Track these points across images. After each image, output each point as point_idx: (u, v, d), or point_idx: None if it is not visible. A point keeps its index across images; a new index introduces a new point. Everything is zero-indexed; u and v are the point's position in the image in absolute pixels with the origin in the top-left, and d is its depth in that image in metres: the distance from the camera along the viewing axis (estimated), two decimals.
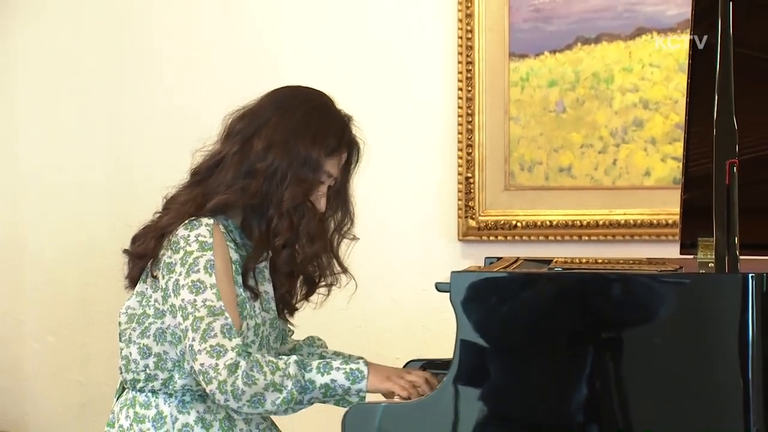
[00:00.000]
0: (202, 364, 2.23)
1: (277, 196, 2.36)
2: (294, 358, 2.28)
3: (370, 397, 2.38)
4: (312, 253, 2.43)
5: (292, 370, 2.26)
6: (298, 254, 2.42)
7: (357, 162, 2.52)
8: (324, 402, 2.33)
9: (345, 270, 2.53)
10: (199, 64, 3.89)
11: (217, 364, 2.22)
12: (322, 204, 2.45)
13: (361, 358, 2.61)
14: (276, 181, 2.36)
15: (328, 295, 2.56)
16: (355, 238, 2.55)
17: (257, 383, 2.22)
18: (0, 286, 4.07)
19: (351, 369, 2.31)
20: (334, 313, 3.62)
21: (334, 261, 2.51)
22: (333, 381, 2.29)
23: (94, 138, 3.98)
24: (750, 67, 2.43)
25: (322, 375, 2.29)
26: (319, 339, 2.70)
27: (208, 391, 2.24)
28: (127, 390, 2.45)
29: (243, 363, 2.22)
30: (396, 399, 2.33)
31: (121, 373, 2.45)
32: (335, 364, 2.31)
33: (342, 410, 2.29)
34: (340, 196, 2.50)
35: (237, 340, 2.25)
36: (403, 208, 3.76)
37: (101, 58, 3.96)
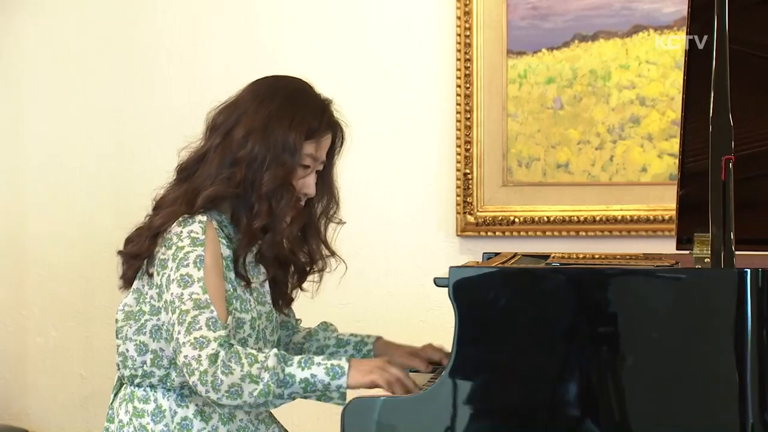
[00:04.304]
0: (185, 356, 2.23)
1: (257, 181, 2.38)
2: (274, 351, 2.26)
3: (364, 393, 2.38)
4: (291, 234, 2.43)
5: (271, 362, 2.24)
6: (279, 237, 2.42)
7: (341, 145, 2.52)
8: (305, 397, 2.30)
9: (333, 253, 2.54)
10: (202, 61, 3.90)
11: (199, 356, 2.22)
12: (310, 188, 2.45)
13: (379, 337, 2.64)
14: (256, 167, 2.37)
15: (321, 280, 2.56)
16: (341, 222, 2.55)
17: (233, 373, 2.21)
18: (3, 280, 4.09)
19: (332, 365, 2.26)
20: (333, 307, 3.64)
21: (322, 245, 2.52)
22: (313, 376, 2.25)
23: (96, 134, 3.99)
24: (745, 63, 2.45)
25: (303, 369, 2.25)
26: (332, 324, 2.71)
27: (191, 383, 2.23)
28: (125, 385, 2.46)
29: (222, 353, 2.22)
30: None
31: (119, 369, 2.46)
32: (317, 359, 2.27)
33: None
34: (324, 180, 2.50)
35: (221, 332, 2.25)
36: (402, 204, 3.77)
37: (105, 54, 3.97)
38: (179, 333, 2.25)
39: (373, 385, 2.33)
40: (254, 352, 2.26)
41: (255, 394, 2.22)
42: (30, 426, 4.04)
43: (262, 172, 2.37)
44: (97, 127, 3.99)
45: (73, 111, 4.01)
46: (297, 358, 2.28)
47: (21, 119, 4.06)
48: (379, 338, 2.65)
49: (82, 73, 3.99)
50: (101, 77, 3.98)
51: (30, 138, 4.05)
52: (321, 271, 2.55)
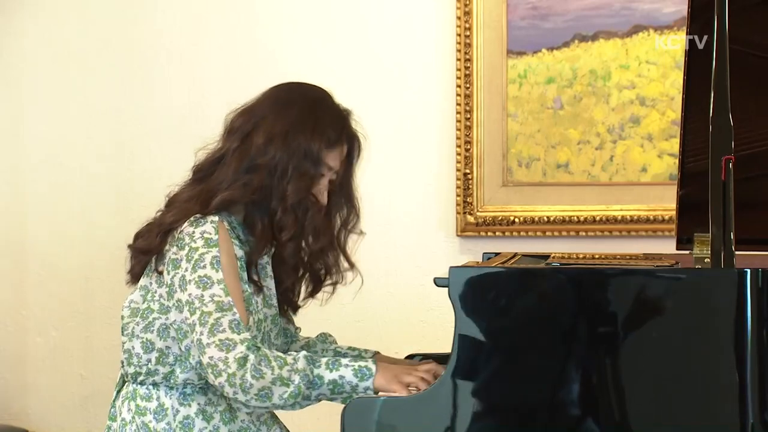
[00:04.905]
0: (211, 357, 2.23)
1: (279, 190, 2.38)
2: (303, 353, 2.28)
3: None
4: (318, 247, 2.44)
5: (301, 364, 2.25)
6: (304, 249, 2.43)
7: (358, 156, 2.53)
8: (331, 399, 2.32)
9: (353, 266, 2.54)
10: (202, 61, 3.90)
11: (226, 358, 2.22)
12: (323, 197, 2.46)
13: (377, 352, 2.63)
14: (278, 176, 2.37)
15: (333, 292, 2.57)
16: (362, 233, 2.56)
17: (265, 377, 2.22)
18: (3, 280, 4.09)
19: (359, 366, 2.29)
20: (333, 308, 3.64)
21: (341, 257, 2.53)
22: (341, 377, 2.28)
23: (97, 133, 3.99)
24: (745, 63, 2.45)
25: (331, 371, 2.28)
26: (330, 335, 2.71)
27: (217, 384, 2.24)
28: (127, 383, 2.46)
29: (252, 356, 2.22)
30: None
31: (123, 366, 2.46)
32: (344, 361, 2.30)
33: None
34: (343, 191, 2.51)
35: (245, 334, 2.25)
36: (402, 204, 3.78)
37: (105, 54, 3.98)
38: (201, 334, 2.25)
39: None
40: (281, 354, 2.27)
41: (285, 396, 2.24)
42: (30, 426, 4.04)
43: (284, 182, 2.37)
44: (97, 127, 3.99)
45: (73, 111, 4.01)
46: (324, 359, 2.30)
47: (21, 119, 4.06)
48: (376, 353, 2.64)
49: (82, 73, 4.00)
50: (101, 77, 3.98)
51: (30, 138, 4.05)
52: (335, 283, 2.55)
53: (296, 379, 2.24)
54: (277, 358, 2.25)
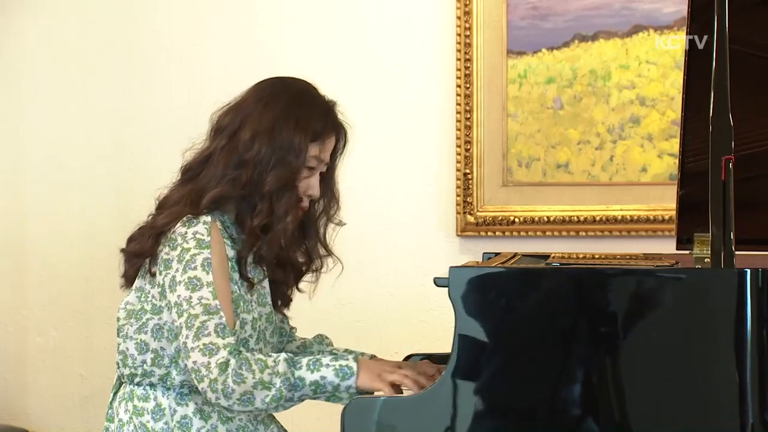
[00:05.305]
0: (194, 362, 2.23)
1: (261, 181, 2.38)
2: (283, 355, 2.27)
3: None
4: (288, 233, 2.42)
5: (281, 368, 2.25)
6: (277, 237, 2.41)
7: (344, 146, 2.52)
8: (315, 398, 2.32)
9: (330, 253, 2.54)
10: (202, 61, 3.90)
11: (208, 363, 2.22)
12: (315, 189, 2.45)
13: (373, 356, 2.61)
14: (261, 168, 2.37)
15: (317, 280, 2.56)
16: (341, 223, 2.56)
17: (246, 381, 2.21)
18: (3, 280, 4.09)
19: (340, 366, 2.28)
20: (333, 308, 3.65)
21: (319, 245, 2.52)
22: (323, 378, 2.27)
23: (96, 134, 3.99)
24: (745, 63, 2.45)
25: (312, 372, 2.27)
26: (327, 337, 2.70)
27: (200, 388, 2.24)
28: (124, 384, 2.46)
29: (233, 361, 2.22)
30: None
31: (118, 367, 2.46)
32: (325, 360, 2.29)
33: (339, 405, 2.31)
34: (325, 181, 2.50)
35: (230, 339, 2.25)
36: (402, 204, 3.78)
37: (105, 54, 3.98)
38: (187, 337, 2.26)
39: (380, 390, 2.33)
40: (263, 357, 2.26)
41: (267, 400, 2.23)
42: (30, 426, 4.04)
43: (267, 173, 2.37)
44: (97, 127, 3.99)
45: (73, 111, 4.01)
46: (305, 360, 2.29)
47: (21, 119, 4.06)
48: (373, 357, 2.64)
49: (82, 73, 4.00)
50: (101, 77, 3.98)
51: (30, 138, 4.05)
52: (317, 270, 2.55)
53: (277, 382, 2.23)
54: (258, 361, 2.25)
